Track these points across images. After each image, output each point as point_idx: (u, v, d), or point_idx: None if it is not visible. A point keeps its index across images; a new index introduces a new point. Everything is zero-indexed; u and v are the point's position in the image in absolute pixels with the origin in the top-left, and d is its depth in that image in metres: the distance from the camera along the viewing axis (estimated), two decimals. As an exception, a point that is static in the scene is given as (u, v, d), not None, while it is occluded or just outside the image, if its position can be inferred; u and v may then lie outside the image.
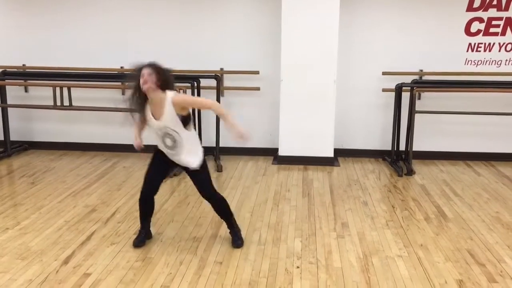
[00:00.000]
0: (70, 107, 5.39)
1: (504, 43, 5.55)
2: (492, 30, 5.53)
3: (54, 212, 4.08)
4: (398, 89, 5.41)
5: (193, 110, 5.55)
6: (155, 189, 3.39)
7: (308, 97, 5.44)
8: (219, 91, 5.60)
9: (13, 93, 5.96)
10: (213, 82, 5.60)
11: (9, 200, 4.35)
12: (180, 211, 4.10)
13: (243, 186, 4.82)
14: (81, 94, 5.54)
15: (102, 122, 6.03)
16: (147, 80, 3.07)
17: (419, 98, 5.58)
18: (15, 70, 5.93)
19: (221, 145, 5.71)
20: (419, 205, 4.33)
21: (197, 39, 5.77)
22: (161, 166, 3.36)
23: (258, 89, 5.79)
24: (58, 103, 5.33)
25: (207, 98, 5.62)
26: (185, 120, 3.17)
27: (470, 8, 5.50)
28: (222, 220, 3.52)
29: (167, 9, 5.75)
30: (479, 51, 5.59)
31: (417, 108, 5.28)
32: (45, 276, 3.01)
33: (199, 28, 5.76)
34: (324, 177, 5.14)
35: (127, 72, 5.78)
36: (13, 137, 5.95)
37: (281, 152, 5.64)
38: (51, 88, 5.34)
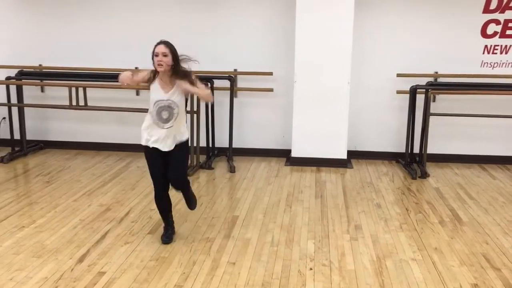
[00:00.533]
0: (86, 107, 5.44)
1: (521, 45, 5.49)
2: (508, 32, 5.47)
3: (69, 211, 4.12)
4: (413, 91, 5.38)
5: (206, 111, 5.59)
6: (166, 185, 3.46)
7: (322, 99, 5.43)
8: (233, 92, 5.62)
9: (30, 92, 6.03)
10: (226, 83, 5.62)
11: (25, 199, 4.41)
12: (193, 211, 4.11)
13: (255, 187, 4.82)
14: (96, 94, 5.58)
15: (116, 122, 6.08)
16: (162, 62, 3.20)
17: (433, 100, 5.54)
18: (32, 70, 6.01)
19: (234, 146, 5.72)
20: (433, 208, 4.30)
21: (211, 40, 5.79)
22: (159, 161, 3.40)
23: (271, 90, 5.79)
24: (74, 103, 5.39)
25: (221, 99, 5.69)
26: (186, 101, 3.40)
27: (486, 10, 5.45)
28: (186, 197, 3.62)
29: (182, 11, 5.78)
30: (495, 53, 5.53)
31: (431, 110, 5.24)
32: (60, 274, 3.05)
33: (213, 29, 5.78)
34: (337, 179, 5.13)
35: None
36: (29, 136, 6.02)
37: (294, 154, 5.63)
38: (67, 88, 5.40)
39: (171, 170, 3.39)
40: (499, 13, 5.43)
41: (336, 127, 5.49)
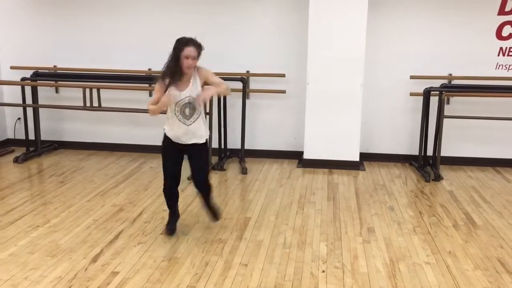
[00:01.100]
0: (99, 108, 5.49)
1: (537, 47, 5.43)
2: (524, 34, 5.42)
3: (82, 211, 4.16)
4: (427, 93, 5.34)
5: (219, 113, 5.60)
6: (177, 181, 3.55)
7: (334, 101, 5.42)
8: (245, 94, 5.63)
9: (44, 93, 6.10)
10: (239, 85, 5.63)
11: (39, 199, 4.46)
12: (205, 212, 4.12)
13: (268, 189, 4.82)
14: (110, 95, 5.63)
15: (129, 123, 6.13)
16: (191, 65, 3.27)
17: (447, 103, 5.50)
18: (47, 71, 6.07)
19: (246, 147, 5.73)
20: (447, 211, 4.26)
21: (224, 41, 5.80)
22: (175, 157, 3.49)
23: (283, 92, 5.79)
24: (88, 104, 5.44)
25: (233, 101, 5.70)
26: None
27: (502, 12, 5.39)
28: (206, 200, 3.68)
29: (194, 12, 5.80)
30: (511, 55, 5.47)
31: (445, 113, 5.20)
32: (74, 273, 3.07)
33: (225, 30, 5.80)
34: (349, 181, 5.10)
35: (154, 74, 5.88)
36: (44, 136, 6.08)
37: (306, 155, 5.62)
38: (81, 89, 5.45)
39: (195, 172, 3.49)
40: (515, 14, 5.38)
41: (348, 129, 5.47)
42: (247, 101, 5.71)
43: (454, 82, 5.57)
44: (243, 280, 3.01)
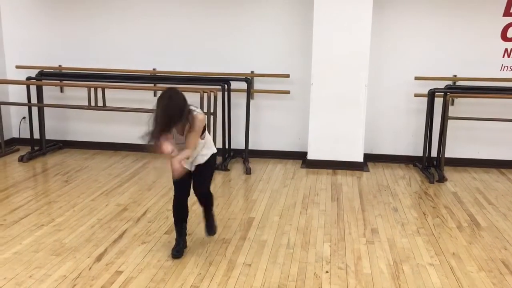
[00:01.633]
0: (104, 107, 5.50)
1: (542, 49, 5.41)
2: (529, 35, 5.40)
3: (87, 210, 4.17)
4: (431, 95, 5.33)
5: (223, 113, 5.60)
6: (187, 192, 3.37)
7: (338, 101, 5.42)
8: (249, 94, 5.63)
9: (50, 93, 6.12)
10: (243, 85, 5.64)
11: (44, 198, 4.48)
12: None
13: (271, 189, 4.83)
14: (115, 95, 5.64)
15: (134, 122, 6.12)
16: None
17: (452, 104, 5.48)
18: (52, 70, 6.10)
19: (250, 148, 5.73)
20: (451, 212, 4.25)
21: (228, 42, 5.81)
22: (184, 175, 3.28)
23: (288, 92, 5.79)
24: (93, 104, 5.46)
25: (238, 101, 5.70)
26: (202, 132, 3.22)
27: (507, 13, 5.37)
28: (204, 208, 3.52)
29: (199, 13, 5.81)
30: (516, 56, 5.46)
31: (450, 114, 5.19)
32: (79, 272, 3.09)
33: (230, 31, 5.80)
34: (353, 182, 5.10)
35: (159, 74, 5.90)
36: (48, 136, 6.11)
37: (310, 156, 5.62)
38: (86, 88, 5.47)
39: (196, 183, 3.33)
40: (520, 16, 5.37)
41: (352, 129, 5.46)
42: (251, 101, 5.72)
43: (459, 83, 5.56)
44: (246, 280, 3.02)
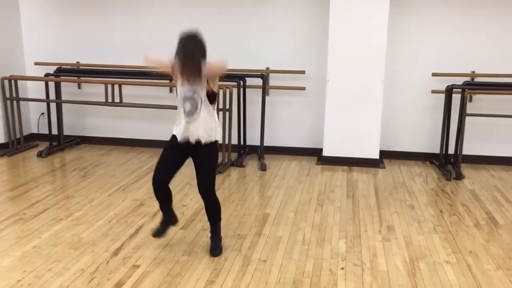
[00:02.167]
0: (121, 103, 5.56)
1: None
2: (550, 30, 5.30)
3: (104, 205, 4.22)
4: (449, 91, 5.27)
5: (238, 109, 5.61)
6: (168, 176, 3.21)
7: (355, 98, 5.39)
8: (265, 90, 5.63)
9: (67, 89, 6.19)
10: (259, 81, 5.64)
11: (62, 192, 4.54)
12: (224, 208, 4.13)
13: (286, 186, 4.83)
14: (131, 91, 5.70)
15: (150, 119, 6.19)
16: (190, 77, 3.02)
17: (470, 101, 5.41)
18: (70, 67, 6.18)
19: (265, 144, 5.74)
20: (468, 210, 4.20)
21: (244, 38, 5.82)
22: (176, 153, 3.19)
23: (303, 89, 5.78)
24: (110, 100, 5.51)
25: (253, 98, 5.71)
26: (211, 97, 3.09)
27: (527, 8, 5.29)
28: (209, 221, 3.35)
29: (214, 10, 5.82)
30: (536, 52, 5.36)
31: (468, 111, 5.13)
32: (96, 266, 3.13)
33: (246, 27, 5.81)
34: (369, 179, 5.08)
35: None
36: (66, 131, 6.19)
37: (325, 153, 5.61)
38: (103, 85, 5.53)
39: (199, 181, 3.18)
40: (541, 11, 5.27)
41: (368, 126, 5.43)
42: (266, 97, 5.71)
43: (477, 79, 5.48)
44: (262, 276, 3.03)
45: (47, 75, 5.94)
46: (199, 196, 3.34)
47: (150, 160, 5.62)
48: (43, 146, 6.01)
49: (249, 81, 5.65)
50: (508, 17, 5.33)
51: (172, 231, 3.69)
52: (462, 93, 5.17)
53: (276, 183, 4.91)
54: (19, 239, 3.51)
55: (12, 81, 5.76)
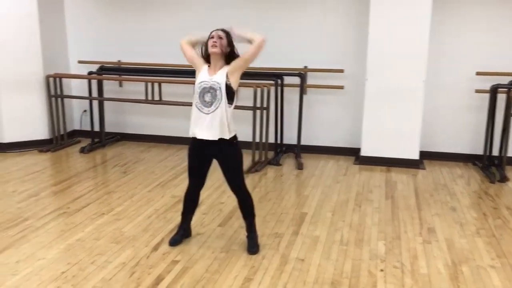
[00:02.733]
0: (160, 101, 5.65)
1: None
2: None
3: (144, 200, 4.31)
4: (493, 91, 5.11)
5: (276, 108, 5.60)
6: (200, 183, 3.37)
7: (394, 97, 5.29)
8: (302, 89, 5.61)
9: (109, 87, 6.35)
10: (296, 80, 5.62)
11: (104, 188, 4.66)
12: (261, 206, 4.17)
13: (324, 185, 4.79)
14: (170, 89, 5.78)
15: (188, 116, 6.21)
16: (217, 44, 3.09)
17: (516, 100, 5.23)
18: (111, 65, 6.33)
19: (302, 143, 5.71)
20: (513, 214, 4.07)
21: (282, 36, 5.79)
22: (199, 156, 3.26)
23: (342, 87, 5.72)
24: (150, 98, 5.62)
25: (290, 96, 5.70)
26: (229, 94, 3.10)
27: None
28: (244, 219, 3.37)
29: (251, 7, 5.83)
30: None
31: (514, 111, 4.95)
32: (137, 260, 3.20)
33: (283, 25, 5.79)
34: (408, 180, 4.98)
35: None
36: (107, 128, 6.35)
37: (363, 152, 5.53)
38: (143, 83, 5.63)
39: (227, 180, 3.27)
40: None
41: (408, 126, 5.32)
42: (304, 96, 5.69)
43: (524, 78, 5.29)
44: (299, 275, 3.02)
45: (90, 73, 6.11)
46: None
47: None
48: (85, 142, 6.19)
49: (287, 79, 5.64)
50: (558, 13, 5.12)
51: (210, 228, 3.73)
52: (508, 92, 4.99)
53: (313, 182, 4.89)
54: (63, 232, 3.62)
55: (57, 79, 5.95)
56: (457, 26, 5.39)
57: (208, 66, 3.21)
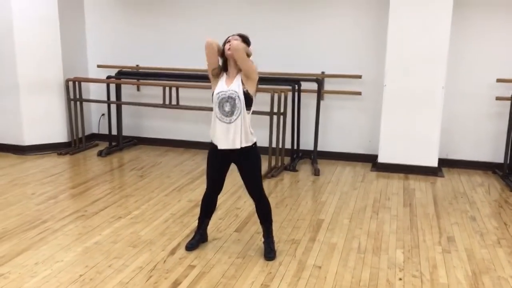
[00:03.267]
0: (177, 106, 5.68)
1: None
2: None
3: (161, 204, 4.32)
4: (515, 98, 5.03)
5: (292, 113, 5.58)
6: (218, 189, 3.40)
7: (413, 103, 5.23)
8: (320, 95, 5.58)
9: (127, 91, 6.40)
10: (314, 86, 5.60)
11: (121, 191, 4.69)
12: (278, 212, 4.14)
13: (341, 192, 4.76)
14: (186, 94, 5.80)
15: (205, 121, 6.25)
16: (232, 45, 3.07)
17: (538, 108, 5.13)
18: (130, 70, 6.38)
19: (318, 149, 5.68)
20: (535, 224, 3.98)
21: (300, 42, 5.79)
22: (217, 162, 3.29)
23: (359, 93, 5.68)
24: (167, 102, 5.65)
25: (307, 101, 5.67)
26: (248, 101, 3.11)
27: None
28: (261, 225, 3.36)
29: (270, 12, 5.84)
30: None
31: (535, 119, 4.87)
32: (154, 264, 3.20)
33: (301, 31, 5.78)
34: (427, 188, 4.91)
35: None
36: (124, 132, 6.39)
37: (381, 159, 5.48)
38: (161, 87, 5.67)
39: (245, 184, 3.29)
40: None
41: (427, 133, 5.26)
42: (321, 102, 5.66)
43: (546, 86, 5.19)
44: (317, 282, 2.99)
45: (108, 77, 6.17)
46: (252, 200, 3.38)
47: (204, 163, 5.55)
48: (102, 145, 6.24)
49: (304, 85, 5.62)
50: None
51: (227, 233, 3.73)
52: (530, 100, 4.91)
53: (330, 188, 4.85)
54: (81, 235, 3.65)
55: (76, 82, 6.02)
56: (477, 32, 5.32)
57: (226, 73, 3.21)
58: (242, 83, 3.12)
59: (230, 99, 3.10)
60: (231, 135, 3.12)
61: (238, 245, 3.51)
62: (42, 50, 5.91)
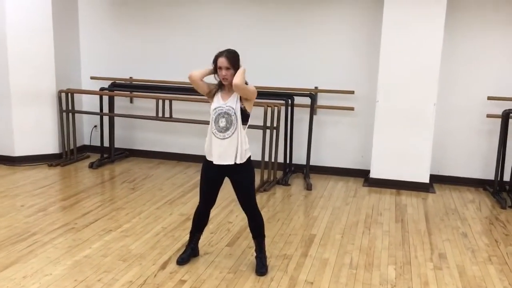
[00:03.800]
0: (170, 118, 5.67)
1: None
2: None
3: (152, 218, 4.29)
4: (505, 116, 5.07)
5: (285, 128, 5.60)
6: (211, 203, 3.38)
7: (405, 120, 5.27)
8: (313, 110, 5.61)
9: (120, 103, 6.38)
10: (307, 100, 5.62)
11: (112, 204, 4.65)
12: (270, 226, 4.13)
13: (333, 207, 4.75)
14: (179, 107, 5.80)
15: (197, 134, 6.24)
16: (227, 77, 3.09)
17: (528, 126, 5.19)
18: (123, 82, 6.38)
19: (311, 163, 5.69)
20: (526, 241, 4.00)
21: (294, 57, 5.83)
22: (211, 177, 3.29)
23: (352, 109, 5.71)
24: (160, 115, 5.64)
25: (300, 116, 5.70)
26: (244, 116, 3.14)
27: None
28: (254, 239, 3.35)
29: (264, 27, 5.88)
30: None
31: (526, 137, 4.92)
32: (144, 279, 3.17)
33: (295, 46, 5.83)
34: (418, 203, 4.93)
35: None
36: (116, 144, 6.36)
37: (373, 174, 5.50)
38: (154, 100, 5.66)
39: (239, 198, 3.29)
40: None
41: (419, 149, 5.29)
42: (314, 117, 5.68)
43: (536, 104, 5.25)
44: (308, 299, 2.97)
45: (102, 89, 6.15)
46: (244, 214, 3.37)
47: (196, 176, 5.67)
48: (94, 157, 6.20)
49: (297, 100, 5.64)
50: None
51: (218, 247, 3.70)
52: (520, 118, 4.97)
53: (322, 203, 4.85)
54: (71, 248, 3.60)
55: (69, 94, 6.00)
56: (469, 50, 5.39)
57: (222, 88, 3.22)
58: (240, 100, 3.14)
59: (227, 115, 3.13)
60: (226, 150, 3.14)
61: (230, 259, 3.49)
62: (36, 60, 5.89)
